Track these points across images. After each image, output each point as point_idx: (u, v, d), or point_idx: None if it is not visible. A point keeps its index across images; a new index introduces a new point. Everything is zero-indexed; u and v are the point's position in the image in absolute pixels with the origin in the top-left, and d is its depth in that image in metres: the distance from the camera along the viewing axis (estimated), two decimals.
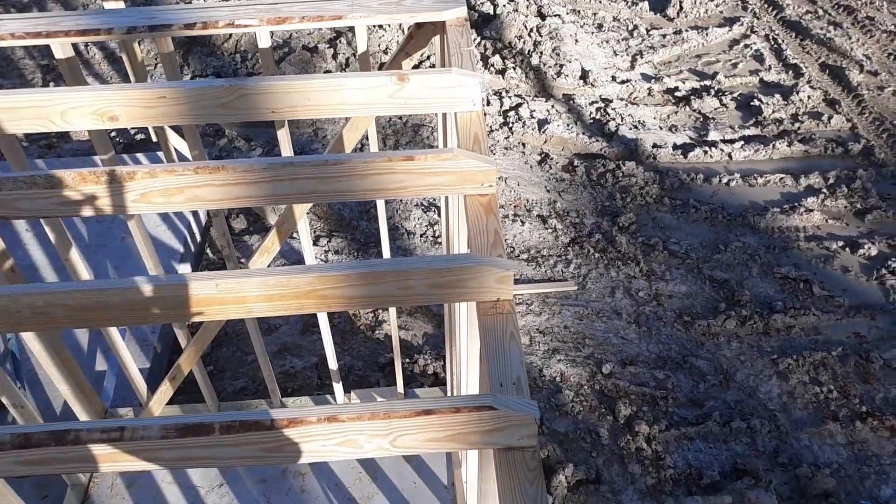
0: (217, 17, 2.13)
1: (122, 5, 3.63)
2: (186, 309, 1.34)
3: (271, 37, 3.69)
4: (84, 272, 2.65)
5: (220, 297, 1.35)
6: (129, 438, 1.10)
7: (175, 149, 4.03)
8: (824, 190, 4.67)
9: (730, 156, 4.94)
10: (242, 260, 4.18)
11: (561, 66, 5.55)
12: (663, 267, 4.24)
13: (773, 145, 4.96)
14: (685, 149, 4.97)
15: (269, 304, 1.37)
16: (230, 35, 5.66)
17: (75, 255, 2.63)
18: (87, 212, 1.54)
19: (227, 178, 1.55)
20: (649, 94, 5.51)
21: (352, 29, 5.57)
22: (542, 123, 5.12)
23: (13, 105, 1.78)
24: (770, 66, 5.73)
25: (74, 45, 2.55)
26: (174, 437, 1.11)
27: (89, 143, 4.92)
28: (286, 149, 2.44)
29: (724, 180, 4.76)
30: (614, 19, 6.21)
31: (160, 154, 4.49)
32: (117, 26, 2.14)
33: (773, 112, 5.22)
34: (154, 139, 4.74)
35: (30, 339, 2.71)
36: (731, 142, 5.03)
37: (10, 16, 2.21)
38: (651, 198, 4.65)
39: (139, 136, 5.06)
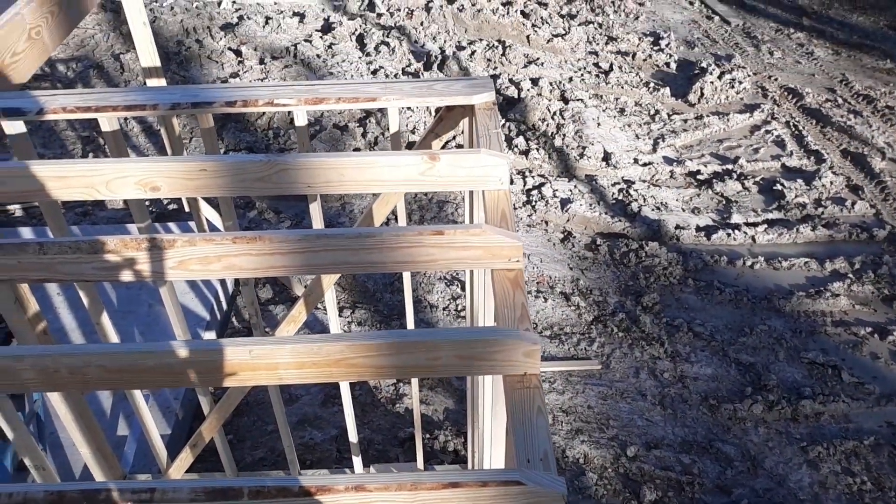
0: (257, 96, 2.23)
1: (163, 83, 3.82)
2: (220, 374, 1.37)
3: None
4: (113, 336, 2.70)
5: (252, 363, 1.37)
6: (159, 500, 1.12)
7: (206, 219, 4.15)
8: (850, 275, 4.65)
9: (753, 239, 4.96)
10: (268, 329, 4.22)
11: (584, 147, 5.67)
12: (688, 349, 4.21)
13: (797, 229, 4.98)
14: (708, 231, 5.00)
15: (299, 371, 1.40)
16: (264, 112, 5.87)
17: (106, 320, 2.68)
18: (127, 277, 1.60)
19: (263, 248, 1.60)
20: (671, 176, 5.59)
21: (381, 110, 5.77)
22: (564, 202, 5.20)
23: (62, 174, 1.87)
24: (791, 151, 5.80)
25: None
26: (203, 501, 1.12)
27: (123, 212, 5.07)
28: (317, 221, 2.51)
29: (748, 263, 4.77)
30: (636, 104, 6.36)
31: (191, 224, 4.61)
32: (162, 103, 2.25)
33: (797, 196, 5.26)
34: (187, 209, 4.87)
35: (55, 401, 2.74)
36: (755, 225, 5.06)
37: (62, 91, 2.33)
38: (675, 278, 4.66)
39: (171, 206, 5.20)
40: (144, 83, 3.89)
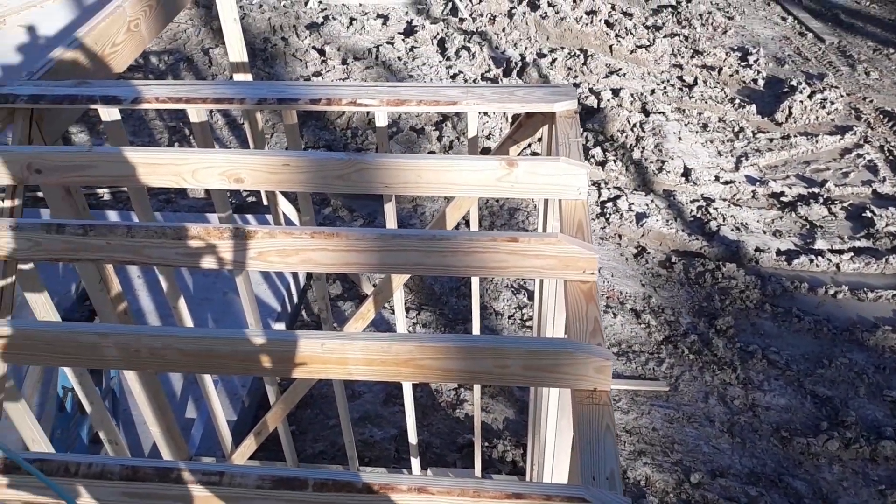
0: (341, 95, 2.26)
1: (250, 78, 3.93)
2: (291, 365, 1.39)
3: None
4: (189, 321, 2.79)
5: (323, 356, 1.39)
6: (226, 484, 1.14)
7: (283, 213, 4.24)
8: None
9: (838, 266, 4.75)
10: (336, 325, 4.28)
11: (663, 162, 5.54)
12: (761, 376, 4.05)
13: (886, 259, 4.74)
14: (790, 255, 4.82)
15: (368, 367, 1.41)
16: (343, 112, 5.97)
17: (182, 305, 2.77)
18: (208, 264, 1.64)
19: (339, 245, 1.61)
20: (753, 196, 5.40)
21: (457, 114, 5.78)
22: (640, 217, 5.09)
23: (152, 161, 1.94)
24: (885, 177, 5.53)
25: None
26: (268, 489, 1.14)
27: (204, 201, 5.23)
28: (391, 221, 2.52)
29: (831, 292, 4.56)
30: (720, 120, 6.19)
31: (268, 217, 4.73)
32: (249, 97, 2.30)
33: (887, 225, 5.01)
34: (264, 202, 4.99)
35: (131, 380, 2.84)
36: (840, 252, 4.84)
37: (155, 82, 2.42)
38: (751, 303, 4.50)
39: (250, 199, 5.35)
40: (231, 77, 4.02)
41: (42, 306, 2.32)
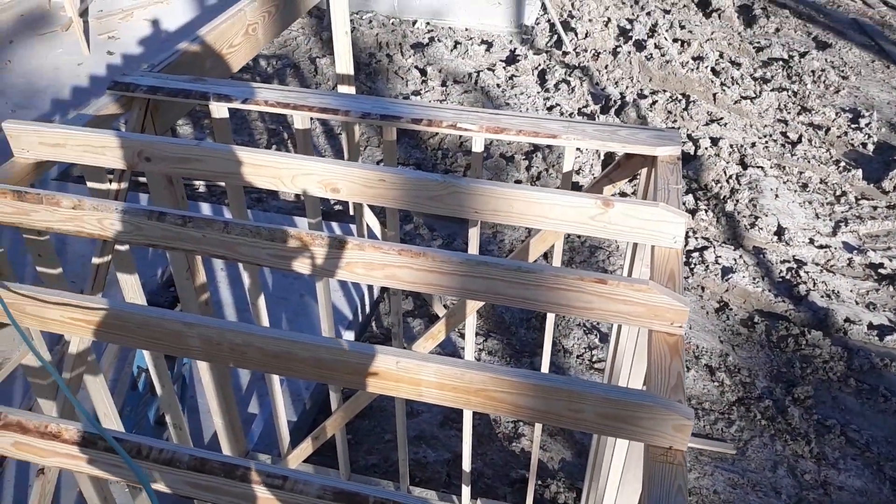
0: (442, 118, 2.28)
1: (353, 90, 4.02)
2: (364, 378, 1.39)
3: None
4: (265, 319, 2.85)
5: (397, 374, 1.39)
6: (289, 489, 1.15)
7: (368, 224, 4.31)
8: None
9: None
10: (404, 341, 4.30)
11: (756, 217, 5.36)
12: (837, 453, 3.83)
13: None
14: (882, 331, 4.56)
15: (440, 391, 1.40)
16: (437, 132, 6.04)
17: (262, 302, 2.83)
18: (298, 267, 1.67)
19: (424, 265, 1.62)
20: (849, 264, 5.15)
21: (549, 146, 5.76)
22: (726, 271, 4.93)
23: (255, 162, 2.00)
24: None
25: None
26: (329, 499, 1.14)
27: (292, 204, 5.37)
28: (474, 247, 2.52)
29: None
30: (822, 181, 5.94)
31: (352, 227, 4.81)
32: (354, 110, 2.35)
33: None
34: (351, 212, 5.08)
35: (202, 370, 2.92)
36: None
37: (265, 85, 2.50)
38: (835, 375, 4.27)
39: (337, 207, 5.46)
40: (335, 88, 4.12)
41: (131, 287, 2.42)
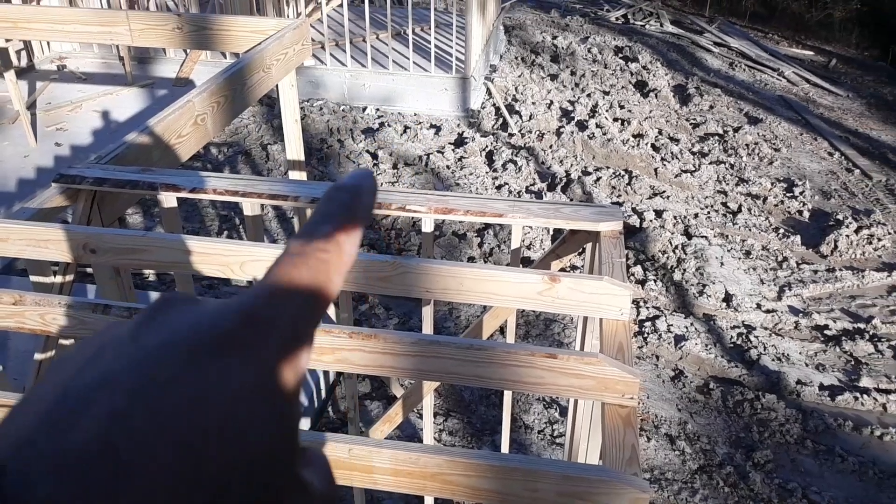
0: (391, 201, 2.33)
1: (304, 176, 4.07)
2: None
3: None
4: None
5: (350, 462, 1.36)
6: None
7: None
8: None
9: (884, 407, 4.56)
10: (362, 425, 4.21)
11: (704, 285, 5.50)
12: None
13: None
14: (833, 391, 4.65)
15: (394, 478, 1.37)
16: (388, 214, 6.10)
17: None
18: None
19: (376, 346, 1.62)
20: (796, 327, 5.29)
21: (502, 225, 5.86)
22: (679, 339, 5.00)
23: (203, 251, 1.99)
24: None
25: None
26: None
27: (245, 288, 5.31)
28: (428, 326, 2.52)
29: (877, 433, 4.36)
30: (763, 248, 6.16)
31: None
32: (303, 195, 2.38)
33: None
34: None
35: None
36: (887, 392, 4.66)
37: (214, 174, 2.52)
38: (792, 437, 4.32)
39: None
40: (286, 174, 4.17)
41: None
